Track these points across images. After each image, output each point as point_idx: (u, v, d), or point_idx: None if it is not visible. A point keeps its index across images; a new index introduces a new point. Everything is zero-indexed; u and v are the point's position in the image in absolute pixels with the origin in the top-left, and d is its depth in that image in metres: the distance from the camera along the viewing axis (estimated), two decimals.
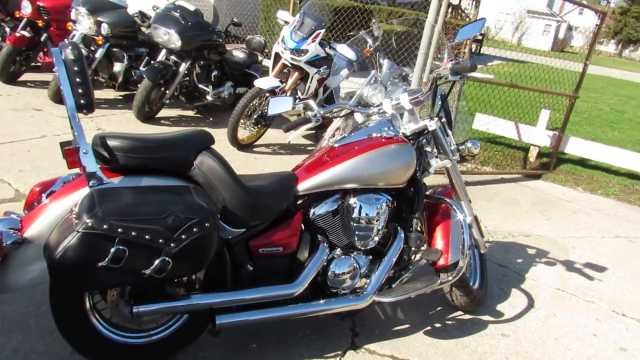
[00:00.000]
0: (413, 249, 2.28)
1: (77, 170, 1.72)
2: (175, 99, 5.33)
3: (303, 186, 2.06)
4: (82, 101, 1.66)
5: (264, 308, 1.92)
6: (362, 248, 2.16)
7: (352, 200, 2.12)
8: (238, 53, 5.96)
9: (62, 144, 1.86)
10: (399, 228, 2.26)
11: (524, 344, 2.47)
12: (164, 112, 5.36)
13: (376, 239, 2.17)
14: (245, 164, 4.38)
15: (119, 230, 1.48)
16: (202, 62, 5.34)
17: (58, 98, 5.04)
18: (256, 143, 4.94)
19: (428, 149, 2.42)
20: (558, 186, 5.27)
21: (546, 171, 5.53)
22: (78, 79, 1.64)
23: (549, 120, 5.58)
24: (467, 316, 2.60)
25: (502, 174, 5.28)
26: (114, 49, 5.29)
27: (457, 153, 2.45)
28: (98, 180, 1.64)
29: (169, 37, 4.88)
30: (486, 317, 2.63)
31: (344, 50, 4.90)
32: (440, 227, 2.41)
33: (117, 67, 5.36)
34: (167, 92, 5.07)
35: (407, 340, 2.34)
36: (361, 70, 4.53)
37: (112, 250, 1.49)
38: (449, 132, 2.44)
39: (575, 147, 5.56)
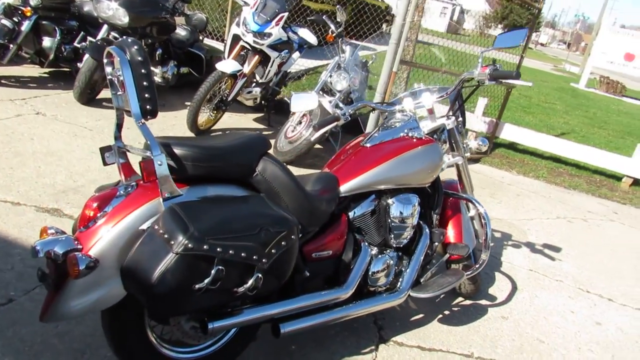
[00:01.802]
0: (436, 243, 2.38)
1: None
2: None
3: (344, 188, 2.05)
4: (148, 107, 1.51)
5: (317, 312, 1.91)
6: (395, 246, 2.21)
7: (390, 200, 2.16)
8: (181, 31, 5.64)
9: (103, 149, 1.69)
10: (423, 224, 2.34)
11: (522, 325, 2.69)
12: (104, 93, 4.95)
13: (409, 236, 2.23)
14: None
15: (218, 249, 1.39)
16: (149, 41, 4.98)
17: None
18: (213, 128, 4.75)
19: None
20: (496, 170, 5.68)
21: (484, 155, 5.93)
22: (145, 83, 1.49)
23: (485, 107, 5.97)
24: (468, 302, 2.77)
25: None
26: (43, 22, 4.75)
27: (468, 150, 2.57)
28: (172, 193, 1.51)
29: (114, 12, 4.48)
30: (483, 302, 2.82)
31: (306, 34, 4.84)
32: (452, 221, 2.53)
33: (47, 42, 4.82)
34: None
35: (427, 330, 2.45)
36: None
37: (213, 271, 1.39)
38: (462, 130, 2.54)
39: (509, 132, 6.01)
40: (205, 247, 1.36)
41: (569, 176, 5.91)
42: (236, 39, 4.68)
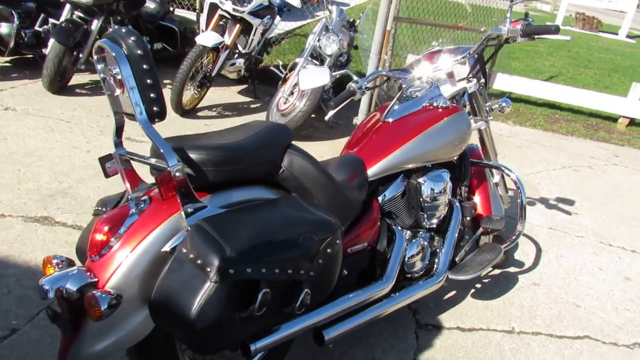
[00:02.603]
0: (467, 218, 2.22)
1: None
2: (86, 62, 4.57)
3: (372, 171, 1.85)
4: (155, 108, 1.27)
5: (358, 311, 1.75)
6: (427, 226, 2.05)
7: (421, 179, 1.97)
8: (150, 4, 5.23)
9: (102, 159, 1.46)
10: (452, 200, 2.17)
11: (555, 290, 2.58)
12: (75, 79, 4.60)
13: (443, 214, 2.06)
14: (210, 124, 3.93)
15: (263, 270, 1.19)
16: (117, 18, 4.59)
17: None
18: (198, 106, 4.47)
19: None
20: (492, 122, 5.51)
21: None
22: (148, 80, 1.25)
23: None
24: (497, 271, 2.65)
25: None
26: None
27: (491, 113, 2.38)
28: (196, 207, 1.30)
29: None
30: (512, 269, 2.70)
31: None
32: (479, 191, 2.37)
33: (5, 28, 4.41)
34: (81, 56, 4.32)
35: (462, 308, 2.32)
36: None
37: (259, 296, 1.20)
38: (484, 92, 2.35)
39: (502, 82, 5.82)
40: (248, 270, 1.17)
41: (566, 122, 5.79)
42: (213, 8, 4.35)
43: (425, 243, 2.02)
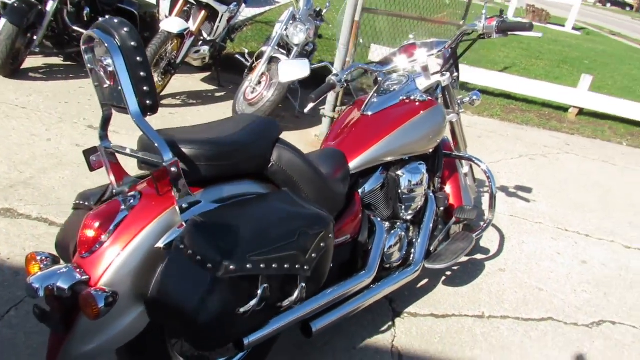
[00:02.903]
0: (441, 208, 2.29)
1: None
2: (40, 45, 4.36)
3: (354, 164, 1.89)
4: (147, 102, 1.25)
5: (342, 302, 1.78)
6: (405, 217, 2.10)
7: (400, 172, 2.02)
8: None
9: (87, 152, 1.43)
10: (427, 191, 2.23)
11: (519, 275, 2.72)
12: (29, 62, 4.38)
13: (420, 205, 2.12)
14: (164, 123, 3.85)
15: (262, 266, 1.20)
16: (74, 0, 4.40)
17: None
18: (162, 94, 4.36)
19: None
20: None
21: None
22: (142, 73, 1.22)
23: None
24: (465, 258, 2.75)
25: None
26: None
27: (462, 106, 2.46)
28: (190, 202, 1.29)
29: None
30: (479, 256, 2.82)
31: None
32: (450, 182, 2.45)
33: None
34: (35, 38, 4.12)
35: (435, 295, 2.41)
36: None
37: (259, 291, 1.21)
38: (457, 86, 2.42)
39: (461, 73, 5.96)
40: (248, 266, 1.17)
41: (521, 112, 6.01)
42: None
43: (403, 234, 2.07)
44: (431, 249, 2.24)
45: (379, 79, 2.32)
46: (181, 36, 4.07)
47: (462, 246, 2.25)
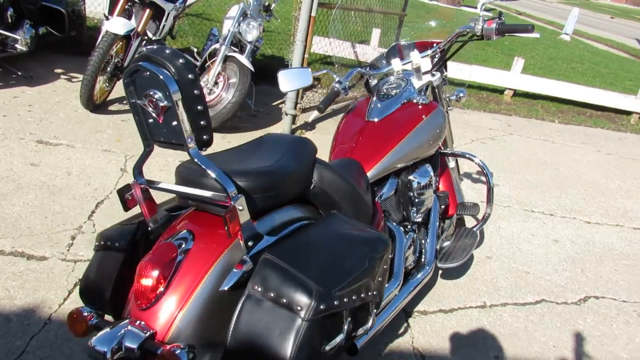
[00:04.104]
0: (442, 207, 2.33)
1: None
2: None
3: (371, 173, 1.87)
4: (204, 136, 1.15)
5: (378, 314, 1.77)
6: (415, 220, 2.12)
7: (411, 176, 2.03)
8: None
9: (121, 191, 1.31)
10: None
11: (505, 261, 2.84)
12: None
13: (429, 206, 2.15)
14: (119, 130, 3.60)
15: (345, 300, 1.15)
16: None
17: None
18: (108, 99, 4.07)
19: None
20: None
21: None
22: (199, 107, 1.12)
23: (379, 38, 5.93)
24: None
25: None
26: None
27: (451, 103, 2.51)
28: (255, 239, 1.21)
29: None
30: None
31: None
32: (442, 179, 2.50)
33: None
34: None
35: (437, 291, 2.46)
36: None
37: (345, 326, 1.16)
38: (446, 84, 2.46)
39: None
40: (335, 302, 1.12)
41: None
42: None
43: (415, 236, 2.09)
44: (437, 247, 2.28)
45: (370, 81, 2.31)
46: (127, 37, 3.81)
47: (469, 242, 2.31)
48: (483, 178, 3.88)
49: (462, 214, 2.40)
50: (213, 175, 1.14)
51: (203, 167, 1.14)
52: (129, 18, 3.96)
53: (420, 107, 2.09)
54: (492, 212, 3.22)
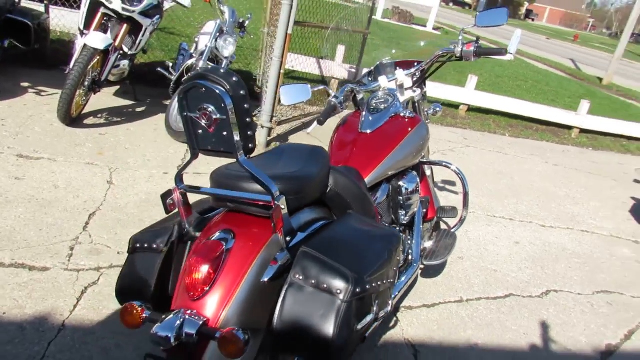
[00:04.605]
0: (424, 210, 2.56)
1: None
2: None
3: (368, 180, 2.07)
4: (250, 145, 1.32)
5: None
6: (402, 222, 2.33)
7: (401, 182, 2.24)
8: None
9: (164, 196, 1.45)
10: None
11: (475, 261, 3.11)
12: None
13: (416, 210, 2.37)
14: (98, 144, 3.65)
15: (374, 285, 1.34)
16: None
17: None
18: (83, 113, 4.10)
19: None
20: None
21: (348, 103, 6.23)
22: (247, 119, 1.28)
23: (344, 54, 6.22)
24: None
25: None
26: None
27: (429, 117, 2.76)
28: (292, 234, 1.38)
29: None
30: None
31: None
32: (422, 185, 2.73)
33: None
34: None
35: (418, 288, 2.68)
36: None
37: (375, 307, 1.34)
38: (425, 99, 2.71)
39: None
40: (367, 287, 1.30)
41: None
42: (96, 5, 3.99)
43: (403, 237, 2.30)
44: (421, 247, 2.50)
45: (358, 96, 2.52)
46: (104, 52, 3.86)
47: (450, 242, 2.54)
48: (448, 186, 4.18)
49: (442, 217, 2.64)
50: (260, 178, 1.30)
51: (250, 171, 1.30)
52: (105, 32, 4.02)
53: (406, 120, 2.31)
54: (457, 219, 3.51)
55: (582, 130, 7.05)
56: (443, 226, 2.94)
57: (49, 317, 1.98)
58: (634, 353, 2.53)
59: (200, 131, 1.32)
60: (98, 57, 3.88)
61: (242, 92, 1.26)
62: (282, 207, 1.32)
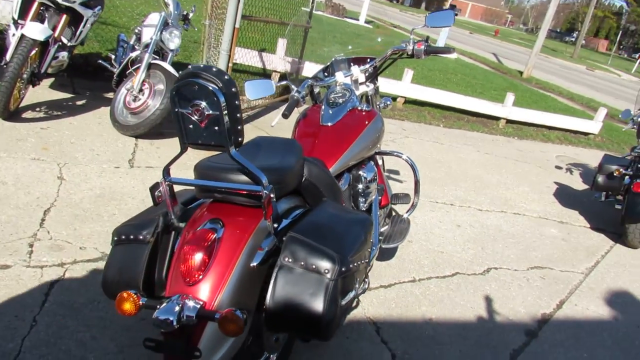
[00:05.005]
0: (379, 197, 2.72)
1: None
2: None
3: (332, 170, 2.19)
4: (239, 139, 1.40)
5: None
6: (362, 208, 2.48)
7: (361, 172, 2.39)
8: None
9: (152, 188, 1.51)
10: None
11: (423, 243, 3.33)
12: None
13: (374, 197, 2.52)
14: (42, 139, 3.53)
15: (356, 264, 1.46)
16: None
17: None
18: (20, 106, 3.92)
19: None
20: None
21: (289, 94, 6.33)
22: (238, 114, 1.37)
23: (286, 47, 6.29)
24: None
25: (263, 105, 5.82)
26: None
27: (381, 110, 2.92)
28: (278, 221, 1.48)
29: None
30: None
31: None
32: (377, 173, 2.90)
33: None
34: None
35: (376, 271, 2.85)
36: None
37: (356, 285, 1.47)
38: (378, 93, 2.86)
39: (311, 69, 6.50)
40: (351, 266, 1.43)
41: None
42: None
43: None
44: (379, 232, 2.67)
45: (315, 90, 2.64)
46: (43, 43, 3.72)
47: (404, 227, 2.73)
48: (393, 175, 4.40)
49: (396, 204, 2.82)
50: (250, 169, 1.39)
51: (241, 163, 1.38)
52: (42, 23, 3.87)
53: (364, 113, 2.46)
54: (404, 205, 3.73)
55: (508, 121, 7.57)
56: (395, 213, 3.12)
57: (19, 314, 1.95)
58: (565, 320, 2.84)
59: (190, 126, 1.38)
60: (37, 49, 3.72)
61: (233, 90, 1.34)
62: (272, 195, 1.42)
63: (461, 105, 7.36)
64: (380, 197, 2.70)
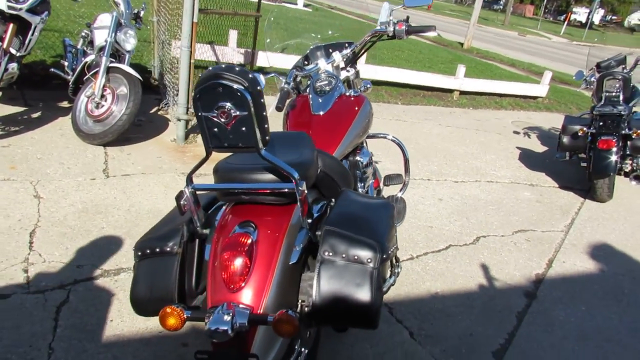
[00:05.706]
0: (372, 180, 2.75)
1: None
2: None
3: None
4: (267, 137, 1.37)
5: None
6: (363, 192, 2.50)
7: (358, 157, 2.40)
8: None
9: (178, 197, 1.47)
10: None
11: (413, 221, 3.39)
12: None
13: (371, 180, 2.54)
14: (5, 158, 3.33)
15: (391, 250, 1.48)
16: None
17: None
18: None
19: None
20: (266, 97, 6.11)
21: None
22: (264, 113, 1.34)
23: (238, 38, 6.18)
24: None
25: None
26: None
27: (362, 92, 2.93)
28: (310, 215, 1.47)
29: None
30: None
31: None
32: None
33: None
34: None
35: None
36: None
37: (397, 270, 1.49)
38: (358, 78, 2.87)
39: (264, 59, 6.43)
40: (389, 252, 1.45)
41: None
42: None
43: None
44: None
45: (299, 79, 2.62)
46: None
47: (401, 206, 2.77)
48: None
49: (389, 184, 2.85)
50: (282, 167, 1.37)
51: (272, 162, 1.36)
52: None
53: (352, 99, 2.46)
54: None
55: (462, 92, 7.77)
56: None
57: (32, 344, 1.86)
58: (557, 277, 2.99)
59: (215, 129, 1.34)
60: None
61: (258, 88, 1.31)
62: (305, 191, 1.41)
63: (416, 81, 7.49)
64: (372, 180, 2.73)
